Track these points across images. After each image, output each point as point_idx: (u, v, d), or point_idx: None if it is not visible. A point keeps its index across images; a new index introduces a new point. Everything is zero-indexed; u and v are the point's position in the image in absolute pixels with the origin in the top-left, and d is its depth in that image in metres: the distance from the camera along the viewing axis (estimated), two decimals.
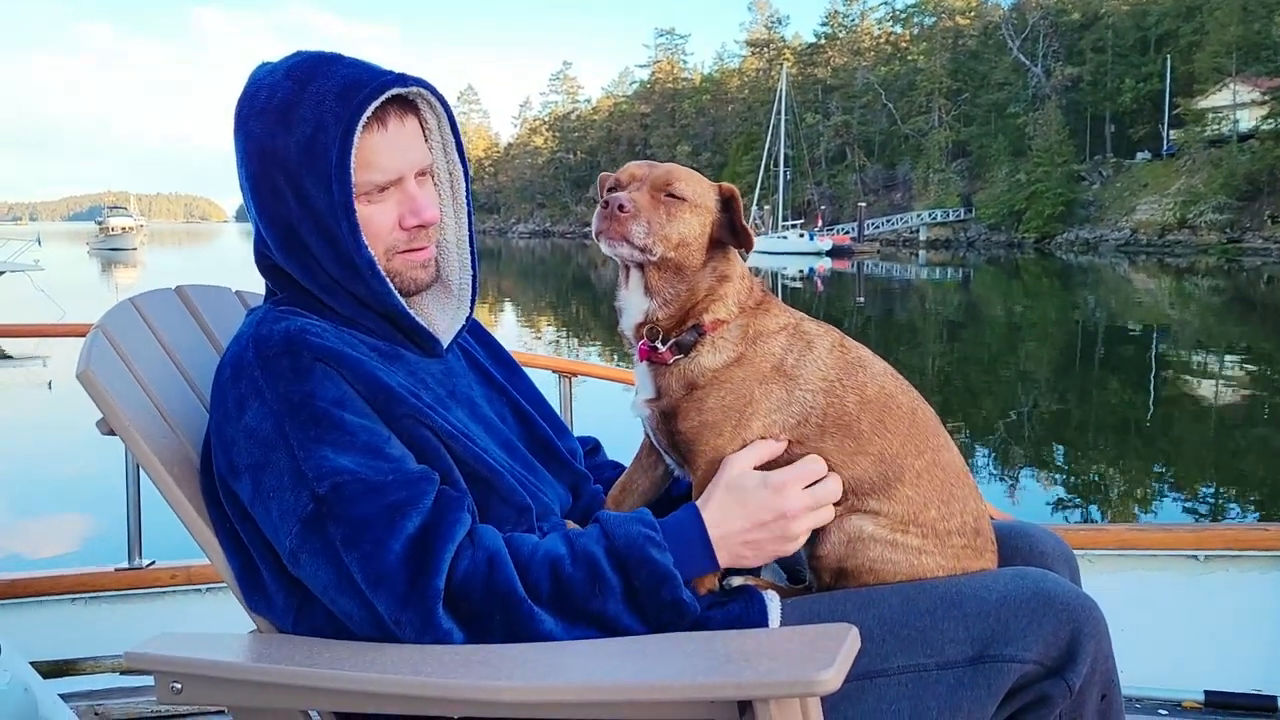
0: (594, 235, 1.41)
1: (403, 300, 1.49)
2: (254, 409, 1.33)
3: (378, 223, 1.46)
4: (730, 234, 1.47)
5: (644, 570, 1.31)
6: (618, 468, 1.85)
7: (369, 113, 1.40)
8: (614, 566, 1.32)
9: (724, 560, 1.39)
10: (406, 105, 1.48)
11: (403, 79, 1.44)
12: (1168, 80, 63.20)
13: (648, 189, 1.42)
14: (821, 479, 1.42)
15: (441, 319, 1.60)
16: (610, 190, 1.45)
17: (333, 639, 1.35)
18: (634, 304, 1.47)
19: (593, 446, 1.93)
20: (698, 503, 1.40)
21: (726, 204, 1.46)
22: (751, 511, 1.38)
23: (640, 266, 1.44)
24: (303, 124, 1.38)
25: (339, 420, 1.32)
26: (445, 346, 1.58)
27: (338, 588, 1.29)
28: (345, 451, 1.31)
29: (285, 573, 1.36)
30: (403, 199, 1.48)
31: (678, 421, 1.44)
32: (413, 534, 1.28)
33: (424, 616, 1.27)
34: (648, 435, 1.57)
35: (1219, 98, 57.31)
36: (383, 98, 1.41)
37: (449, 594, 1.27)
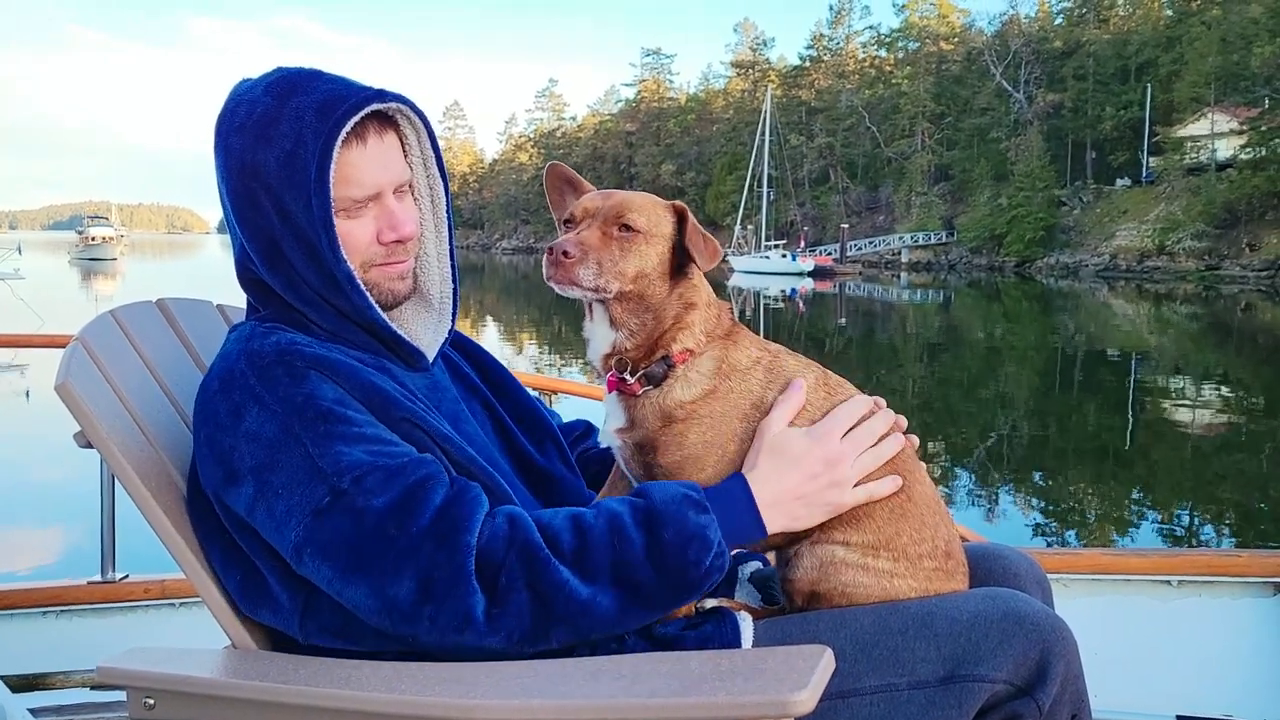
0: (545, 279, 1.40)
1: (383, 313, 1.50)
2: (254, 414, 1.34)
3: (356, 237, 1.47)
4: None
5: (673, 526, 1.31)
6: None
7: (348, 128, 1.40)
8: (638, 522, 1.31)
9: (778, 524, 1.40)
10: (386, 121, 1.49)
11: (381, 95, 1.45)
12: (1148, 108, 63.90)
13: (599, 225, 1.40)
14: (862, 421, 1.45)
15: (424, 333, 1.61)
16: (566, 223, 1.45)
17: (339, 633, 1.36)
18: (600, 335, 1.47)
19: (584, 430, 1.92)
20: (743, 470, 1.41)
21: (679, 223, 1.45)
22: (800, 466, 1.40)
23: (602, 302, 1.44)
24: (282, 139, 1.39)
25: (343, 415, 1.34)
26: (430, 360, 1.59)
27: (344, 579, 1.29)
28: (356, 444, 1.32)
29: (291, 573, 1.36)
30: (381, 214, 1.49)
31: (657, 455, 1.44)
32: (439, 505, 1.30)
33: (454, 572, 1.26)
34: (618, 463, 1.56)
35: (1198, 127, 58.03)
36: (362, 113, 1.42)
37: (476, 557, 1.27)
